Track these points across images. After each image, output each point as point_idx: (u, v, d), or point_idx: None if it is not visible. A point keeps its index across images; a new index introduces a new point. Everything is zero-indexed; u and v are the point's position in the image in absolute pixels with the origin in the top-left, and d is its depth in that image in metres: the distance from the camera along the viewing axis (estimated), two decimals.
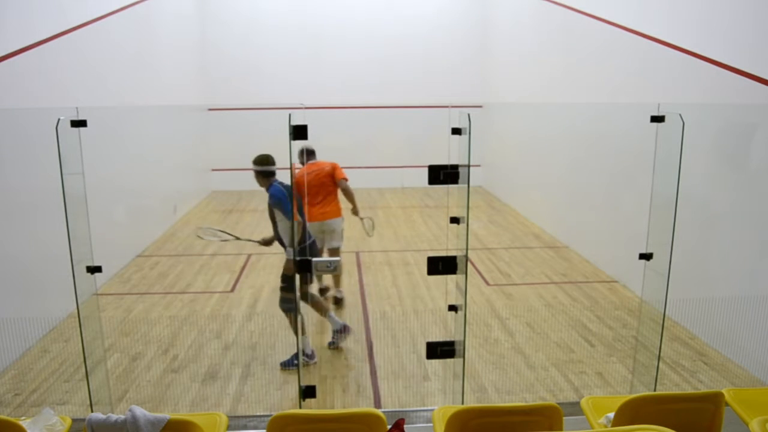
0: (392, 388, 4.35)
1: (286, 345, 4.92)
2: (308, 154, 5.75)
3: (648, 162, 3.76)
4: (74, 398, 4.17)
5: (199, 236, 5.31)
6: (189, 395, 4.26)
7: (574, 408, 3.14)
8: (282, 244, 4.77)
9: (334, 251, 5.78)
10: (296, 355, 4.54)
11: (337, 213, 5.70)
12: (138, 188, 7.76)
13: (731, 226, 4.84)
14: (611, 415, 2.66)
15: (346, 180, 5.67)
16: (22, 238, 5.01)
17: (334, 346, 4.97)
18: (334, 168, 5.67)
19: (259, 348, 5.01)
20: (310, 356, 4.74)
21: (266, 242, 4.95)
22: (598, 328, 5.33)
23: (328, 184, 5.64)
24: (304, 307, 4.74)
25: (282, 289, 4.78)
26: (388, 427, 2.57)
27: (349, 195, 5.72)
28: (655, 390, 3.80)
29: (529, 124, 9.83)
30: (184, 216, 9.92)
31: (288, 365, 4.62)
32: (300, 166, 5.65)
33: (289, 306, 4.71)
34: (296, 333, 4.58)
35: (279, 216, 4.63)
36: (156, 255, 7.79)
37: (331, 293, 5.99)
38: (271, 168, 4.65)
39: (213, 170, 12.22)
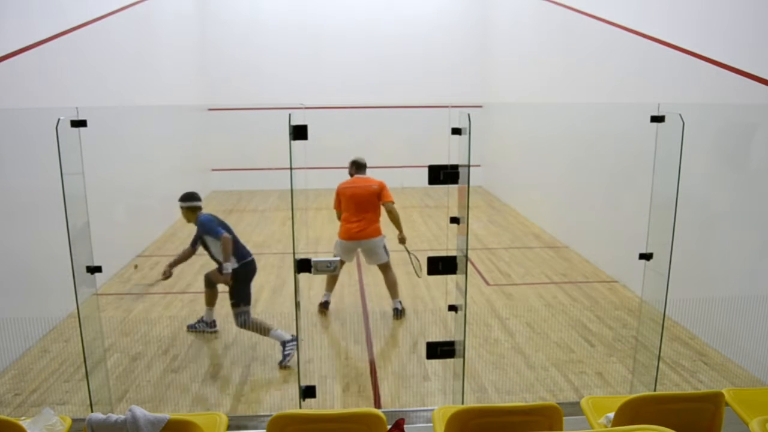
0: (392, 388, 4.35)
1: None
2: (358, 167, 5.61)
3: (648, 162, 3.76)
4: (74, 398, 4.17)
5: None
6: (189, 395, 4.26)
7: (574, 408, 3.14)
8: (219, 262, 4.86)
9: (384, 266, 5.66)
10: (286, 346, 4.67)
11: (378, 232, 5.55)
12: (138, 188, 7.75)
13: (731, 226, 4.84)
14: (611, 415, 2.66)
15: (392, 203, 5.48)
16: (23, 238, 5.01)
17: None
18: (381, 188, 5.49)
19: (259, 348, 5.00)
20: (291, 340, 4.72)
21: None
22: (598, 328, 5.33)
23: (372, 203, 5.49)
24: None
25: (233, 305, 4.82)
26: (388, 427, 2.57)
27: (394, 219, 5.51)
28: (655, 390, 3.80)
29: (529, 124, 9.83)
30: None
31: (285, 360, 4.64)
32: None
33: (244, 320, 4.80)
34: (269, 329, 4.80)
35: (209, 240, 4.84)
36: (156, 255, 7.79)
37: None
38: (198, 204, 4.94)
39: (213, 170, 12.22)
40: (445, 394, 4.19)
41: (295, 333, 4.42)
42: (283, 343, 4.71)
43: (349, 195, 5.52)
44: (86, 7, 6.62)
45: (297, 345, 4.14)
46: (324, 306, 5.73)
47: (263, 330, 4.78)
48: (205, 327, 5.27)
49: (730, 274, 4.83)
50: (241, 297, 4.80)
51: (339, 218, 5.69)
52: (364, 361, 4.81)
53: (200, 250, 5.02)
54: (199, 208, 4.97)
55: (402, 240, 5.62)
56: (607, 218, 6.91)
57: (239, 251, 4.86)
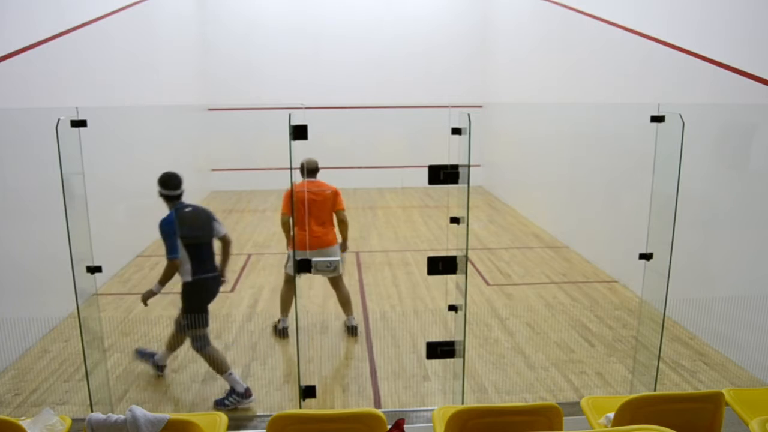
0: (392, 388, 4.35)
1: (286, 345, 4.92)
2: (309, 171, 4.97)
3: (648, 162, 3.76)
4: (74, 398, 4.17)
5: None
6: (189, 395, 4.26)
7: (574, 408, 3.15)
8: None
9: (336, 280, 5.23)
10: (231, 393, 4.09)
11: (334, 240, 5.11)
12: (138, 188, 7.74)
13: (731, 226, 4.84)
14: (611, 415, 2.67)
15: (344, 210, 5.07)
16: (22, 238, 5.00)
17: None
18: (335, 194, 5.06)
19: (259, 348, 5.00)
20: (244, 395, 4.09)
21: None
22: (598, 328, 5.33)
23: (329, 210, 5.07)
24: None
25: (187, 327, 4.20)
26: (388, 427, 2.57)
27: (344, 227, 5.11)
28: (655, 390, 3.80)
29: (529, 124, 9.83)
30: None
31: (222, 404, 4.06)
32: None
33: (201, 344, 4.16)
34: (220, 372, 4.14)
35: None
36: (156, 255, 7.79)
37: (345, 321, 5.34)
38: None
39: (213, 170, 12.22)
40: (445, 394, 4.19)
41: (295, 333, 4.42)
42: (233, 392, 4.07)
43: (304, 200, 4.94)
44: (86, 7, 6.62)
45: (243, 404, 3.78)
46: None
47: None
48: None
49: (730, 274, 4.83)
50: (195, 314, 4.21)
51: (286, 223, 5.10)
52: (364, 361, 4.81)
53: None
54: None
55: (344, 248, 5.19)
56: (607, 218, 6.91)
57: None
